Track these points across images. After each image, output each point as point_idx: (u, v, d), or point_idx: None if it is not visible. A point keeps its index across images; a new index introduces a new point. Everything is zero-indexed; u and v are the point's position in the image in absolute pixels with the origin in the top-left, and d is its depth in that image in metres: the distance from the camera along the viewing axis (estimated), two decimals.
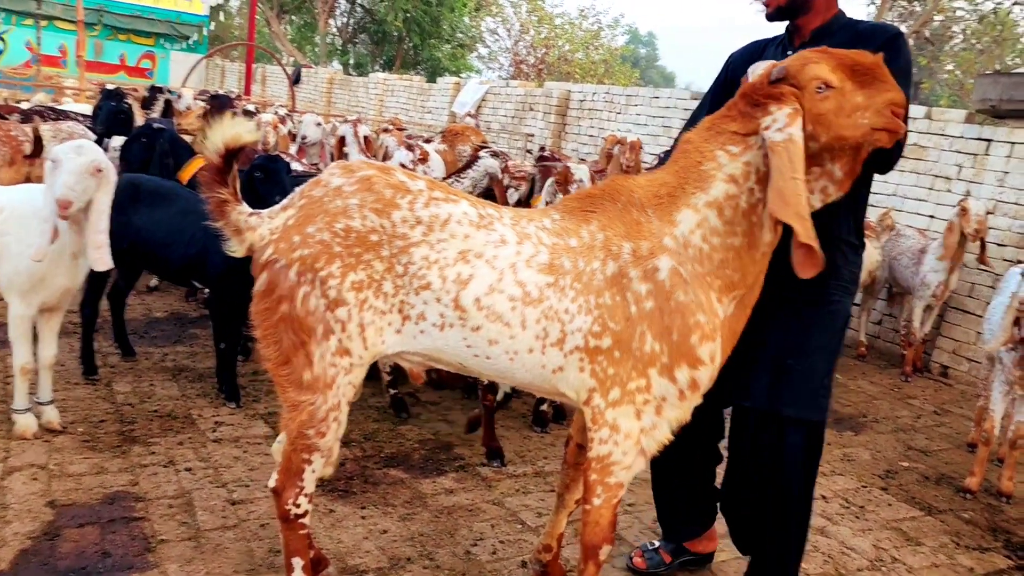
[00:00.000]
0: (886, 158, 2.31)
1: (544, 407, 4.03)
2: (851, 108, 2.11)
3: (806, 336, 2.54)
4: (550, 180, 4.41)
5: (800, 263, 2.11)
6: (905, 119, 2.15)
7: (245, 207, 2.31)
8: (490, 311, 2.20)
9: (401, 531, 3.16)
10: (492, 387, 3.84)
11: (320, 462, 2.37)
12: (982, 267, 6.12)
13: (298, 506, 2.38)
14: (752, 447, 2.63)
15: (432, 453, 3.93)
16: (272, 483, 2.42)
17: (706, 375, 2.27)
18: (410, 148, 5.60)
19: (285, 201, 2.35)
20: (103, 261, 3.28)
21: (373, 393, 4.58)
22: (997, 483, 4.31)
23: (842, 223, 2.50)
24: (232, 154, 2.26)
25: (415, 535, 3.15)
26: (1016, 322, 3.97)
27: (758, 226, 2.24)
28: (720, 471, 2.98)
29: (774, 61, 2.26)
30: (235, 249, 2.31)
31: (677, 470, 2.94)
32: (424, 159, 5.65)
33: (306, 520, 2.42)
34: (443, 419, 4.40)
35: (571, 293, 2.22)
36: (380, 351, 2.30)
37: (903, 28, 20.47)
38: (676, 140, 2.51)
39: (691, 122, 2.62)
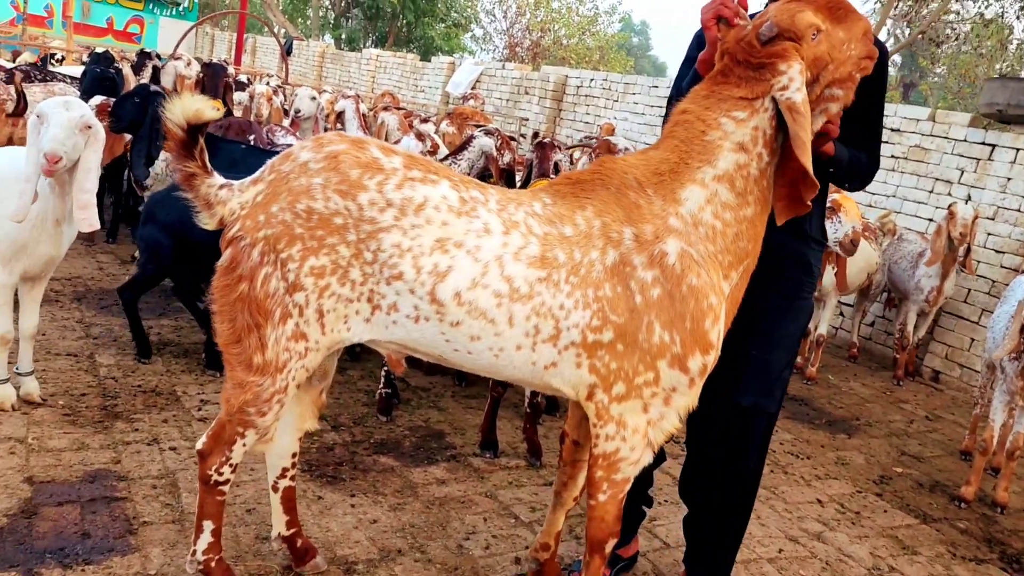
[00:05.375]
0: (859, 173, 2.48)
1: (539, 399, 3.94)
2: (839, 44, 2.10)
3: (774, 328, 2.54)
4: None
5: (788, 207, 2.16)
6: None
7: (216, 179, 2.21)
8: (472, 307, 2.06)
9: (392, 521, 3.07)
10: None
11: (253, 439, 2.29)
12: (970, 273, 6.08)
13: (221, 474, 2.31)
14: (720, 434, 2.62)
15: (423, 441, 3.83)
16: (200, 445, 2.34)
17: (714, 358, 2.19)
18: (420, 137, 5.29)
19: (256, 174, 2.23)
20: (89, 222, 3.17)
21: (362, 376, 4.47)
22: (992, 493, 4.27)
23: (812, 222, 2.50)
24: (196, 129, 2.16)
25: (406, 526, 3.05)
26: (1022, 330, 3.91)
27: (768, 189, 2.18)
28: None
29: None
30: (206, 222, 2.22)
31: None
32: (434, 151, 5.34)
33: (226, 488, 2.36)
34: (434, 406, 4.29)
35: (566, 288, 2.08)
36: (343, 338, 2.19)
37: (906, 29, 20.21)
38: (666, 112, 2.39)
39: (675, 96, 2.50)
